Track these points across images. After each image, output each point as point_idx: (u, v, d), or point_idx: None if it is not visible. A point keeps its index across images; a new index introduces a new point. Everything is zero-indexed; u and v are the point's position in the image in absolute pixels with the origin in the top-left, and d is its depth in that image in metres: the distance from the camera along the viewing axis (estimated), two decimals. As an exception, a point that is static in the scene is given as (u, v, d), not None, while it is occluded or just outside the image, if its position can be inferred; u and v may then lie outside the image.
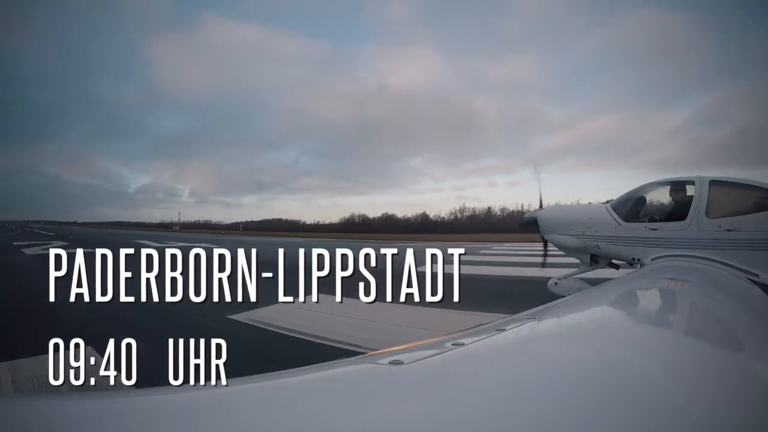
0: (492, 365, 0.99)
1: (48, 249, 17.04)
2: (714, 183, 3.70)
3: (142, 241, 21.83)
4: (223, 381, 0.89)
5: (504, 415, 0.69)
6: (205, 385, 0.90)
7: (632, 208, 4.24)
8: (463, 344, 1.06)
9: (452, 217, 53.49)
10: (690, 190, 3.82)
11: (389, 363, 0.90)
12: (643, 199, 4.24)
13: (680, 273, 2.85)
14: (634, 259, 4.08)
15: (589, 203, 5.13)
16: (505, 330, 1.19)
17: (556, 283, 4.75)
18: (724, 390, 0.83)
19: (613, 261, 4.63)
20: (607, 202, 4.58)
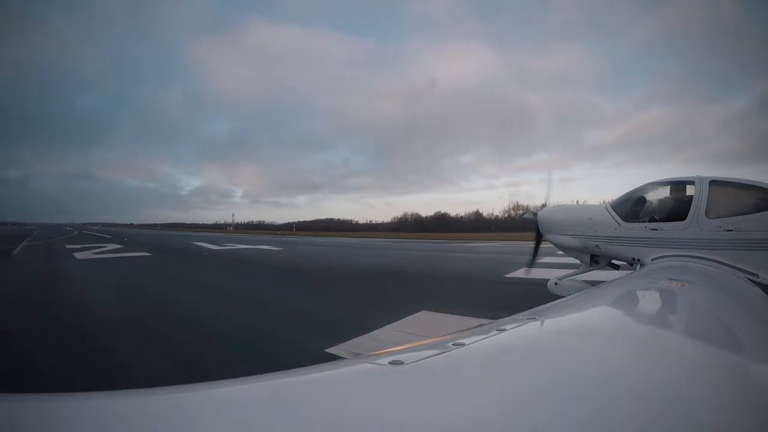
0: (492, 365, 0.99)
1: (102, 252, 15.73)
2: (714, 183, 3.69)
3: (221, 247, 19.88)
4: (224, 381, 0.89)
5: (504, 415, 0.69)
6: (205, 385, 0.89)
7: (632, 208, 4.23)
8: (463, 344, 1.06)
9: (506, 215, 52.04)
10: (690, 190, 3.82)
11: (389, 363, 0.90)
12: (643, 199, 4.24)
13: (680, 273, 2.85)
14: (634, 259, 4.08)
15: (587, 203, 5.15)
16: (505, 330, 1.19)
17: (556, 284, 4.75)
18: (724, 390, 0.83)
19: (614, 261, 4.63)
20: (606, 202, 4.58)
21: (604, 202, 4.65)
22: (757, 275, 3.24)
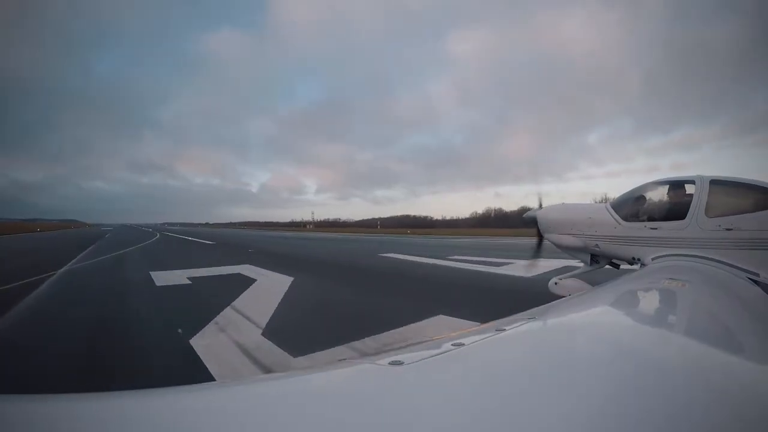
0: (492, 365, 0.99)
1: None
2: (714, 182, 3.69)
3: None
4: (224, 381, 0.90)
5: (505, 415, 0.69)
6: (206, 385, 0.90)
7: (632, 207, 4.22)
8: (463, 345, 1.06)
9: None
10: (690, 190, 3.81)
11: (389, 364, 0.91)
12: (642, 199, 4.23)
13: (680, 273, 2.84)
14: (634, 258, 4.08)
15: (585, 202, 5.14)
16: (505, 330, 1.20)
17: (556, 283, 4.74)
18: (724, 390, 0.83)
19: (614, 260, 4.62)
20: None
21: (601, 200, 4.64)
22: (758, 274, 3.24)
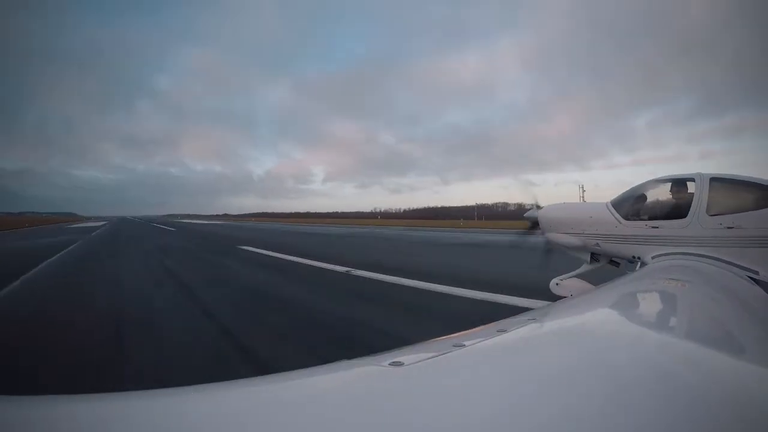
0: (493, 366, 0.99)
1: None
2: (714, 180, 3.68)
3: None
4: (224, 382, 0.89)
5: (505, 416, 0.69)
6: (206, 386, 0.89)
7: (632, 206, 4.22)
8: (463, 345, 1.06)
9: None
10: (690, 188, 3.81)
11: (389, 364, 0.90)
12: (643, 197, 4.22)
13: (681, 273, 2.84)
14: (634, 257, 4.07)
15: (585, 201, 5.14)
16: (506, 331, 1.19)
17: (557, 284, 4.75)
18: (725, 391, 0.83)
19: (614, 259, 4.62)
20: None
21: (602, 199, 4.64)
22: (757, 272, 3.24)
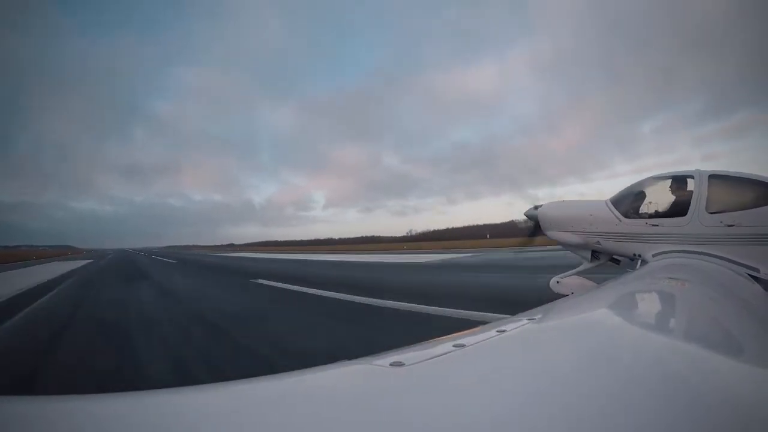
0: (493, 366, 0.99)
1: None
2: (713, 177, 3.68)
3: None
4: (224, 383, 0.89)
5: (506, 416, 0.69)
6: (205, 387, 0.89)
7: (632, 204, 4.22)
8: (463, 345, 1.06)
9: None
10: (690, 185, 3.80)
11: (390, 365, 0.90)
12: (642, 195, 4.22)
13: (681, 271, 2.84)
14: (635, 254, 4.08)
15: (585, 198, 5.14)
16: (506, 331, 1.19)
17: (558, 282, 4.74)
18: (726, 390, 0.83)
19: (615, 256, 4.62)
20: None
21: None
22: (758, 270, 3.24)
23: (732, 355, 1.14)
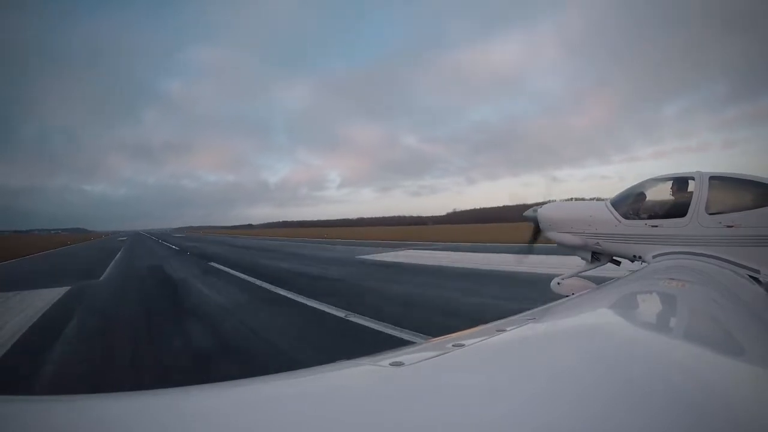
0: (493, 366, 0.99)
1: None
2: (714, 179, 3.68)
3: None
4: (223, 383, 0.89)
5: (505, 416, 0.69)
6: (205, 387, 0.89)
7: (632, 205, 4.22)
8: (463, 345, 1.06)
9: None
10: (690, 186, 3.81)
11: (390, 364, 0.90)
12: (642, 196, 4.22)
13: (682, 273, 2.84)
14: (635, 256, 4.08)
15: (585, 199, 5.14)
16: (505, 331, 1.19)
17: (558, 283, 4.74)
18: (724, 391, 0.83)
19: (615, 258, 4.62)
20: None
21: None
22: (758, 271, 3.24)
23: (733, 356, 1.14)
